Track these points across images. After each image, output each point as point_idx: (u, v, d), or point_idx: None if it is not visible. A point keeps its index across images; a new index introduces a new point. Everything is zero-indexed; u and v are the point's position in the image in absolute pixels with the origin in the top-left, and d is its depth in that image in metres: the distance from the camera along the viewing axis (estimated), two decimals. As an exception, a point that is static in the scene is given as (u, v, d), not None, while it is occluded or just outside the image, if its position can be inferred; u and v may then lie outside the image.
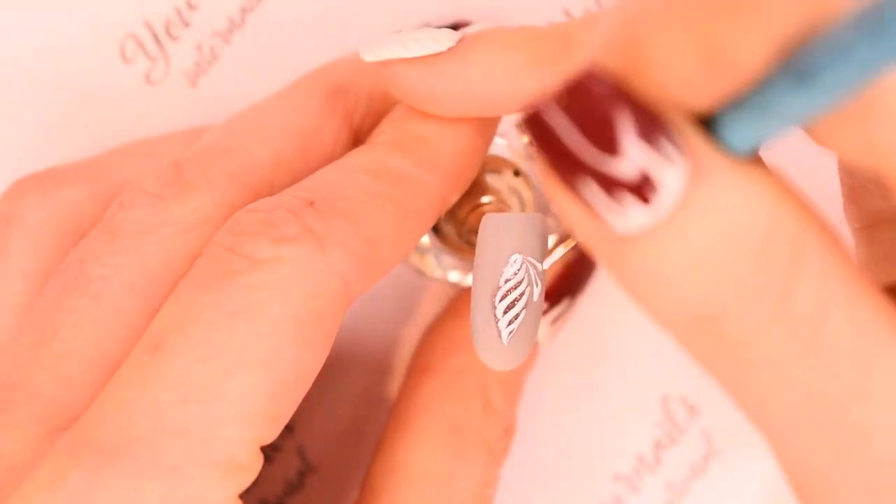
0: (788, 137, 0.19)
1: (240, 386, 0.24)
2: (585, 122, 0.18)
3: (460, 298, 0.33)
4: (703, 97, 0.19)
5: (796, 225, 0.19)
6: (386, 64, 0.27)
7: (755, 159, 0.19)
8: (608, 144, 0.18)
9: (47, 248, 0.29)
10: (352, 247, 0.25)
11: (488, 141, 0.29)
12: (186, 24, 0.35)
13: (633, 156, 0.18)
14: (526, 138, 0.25)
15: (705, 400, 0.36)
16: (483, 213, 0.31)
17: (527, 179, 0.32)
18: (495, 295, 0.27)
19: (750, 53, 0.18)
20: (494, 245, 0.27)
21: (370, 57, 0.27)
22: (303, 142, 0.29)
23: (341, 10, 0.35)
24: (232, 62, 0.35)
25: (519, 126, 0.32)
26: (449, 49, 0.27)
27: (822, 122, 0.19)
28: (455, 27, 0.31)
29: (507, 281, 0.27)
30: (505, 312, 0.27)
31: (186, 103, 0.35)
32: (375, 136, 0.29)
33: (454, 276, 0.33)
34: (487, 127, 0.29)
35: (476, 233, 0.30)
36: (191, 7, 0.35)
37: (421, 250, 0.33)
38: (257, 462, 0.25)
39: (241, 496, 0.25)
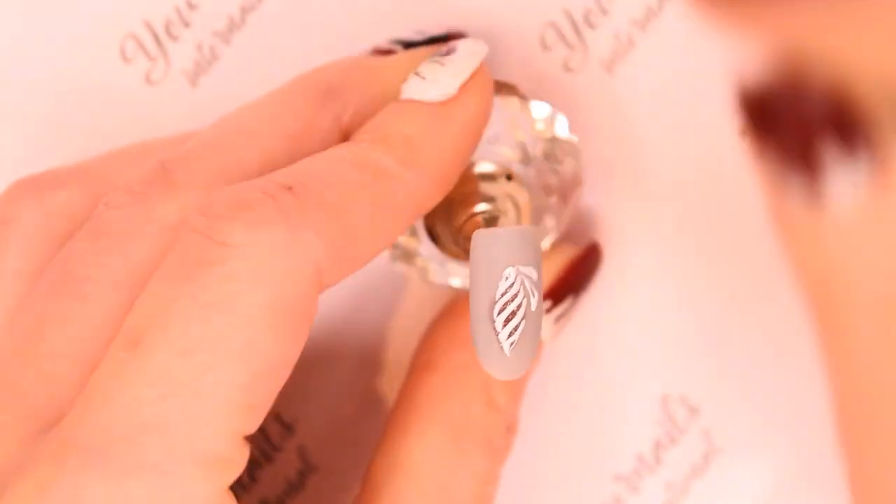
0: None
1: (218, 379, 0.24)
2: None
3: (462, 296, 0.33)
4: None
5: None
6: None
7: None
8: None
9: (42, 250, 0.29)
10: (327, 234, 0.25)
11: (474, 144, 0.30)
12: (186, 24, 0.35)
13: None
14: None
15: (705, 400, 0.36)
16: (477, 222, 0.31)
17: (520, 182, 0.32)
18: (493, 309, 0.27)
19: None
20: (487, 261, 0.27)
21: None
22: (291, 143, 0.29)
23: (341, 11, 0.35)
24: (232, 62, 0.35)
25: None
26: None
27: None
28: (447, 38, 0.31)
29: (502, 295, 0.27)
30: (504, 325, 0.27)
31: (186, 103, 0.35)
32: (359, 134, 0.29)
33: (456, 282, 0.33)
34: (472, 132, 0.29)
35: (466, 235, 0.30)
36: (191, 7, 0.35)
37: (424, 258, 0.33)
38: (242, 454, 0.25)
39: (241, 496, 0.25)
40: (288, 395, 0.30)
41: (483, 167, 0.32)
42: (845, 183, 0.18)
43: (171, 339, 0.24)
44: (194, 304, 0.24)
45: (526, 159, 0.32)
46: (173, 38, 0.35)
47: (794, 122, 0.19)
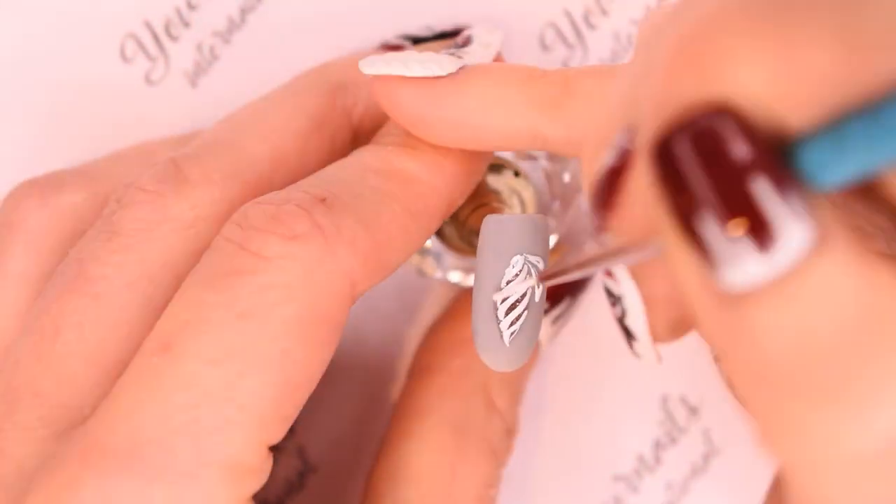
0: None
1: (250, 389, 0.24)
2: (716, 156, 0.17)
3: (461, 298, 0.33)
4: (791, 111, 0.17)
5: None
6: (383, 79, 0.27)
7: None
8: (737, 182, 0.17)
9: (47, 252, 0.29)
10: (360, 247, 0.25)
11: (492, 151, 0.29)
12: (186, 24, 0.35)
13: (761, 197, 0.17)
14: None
15: (705, 400, 0.36)
16: (484, 214, 0.31)
17: (526, 179, 0.32)
18: (497, 296, 0.27)
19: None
20: (496, 246, 0.27)
21: (369, 70, 0.27)
22: (302, 139, 0.29)
23: (341, 10, 0.35)
24: (232, 62, 0.35)
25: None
26: (449, 75, 0.27)
27: None
28: (455, 33, 0.31)
29: (508, 282, 0.27)
30: (507, 314, 0.27)
31: (186, 103, 0.35)
32: (382, 136, 0.29)
33: (455, 277, 0.33)
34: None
35: (477, 234, 0.30)
36: (191, 7, 0.35)
37: (422, 251, 0.33)
38: (267, 463, 0.25)
39: (241, 496, 0.25)
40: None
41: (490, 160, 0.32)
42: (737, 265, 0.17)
43: (204, 347, 0.24)
44: (228, 313, 0.24)
45: (531, 157, 0.32)
46: (173, 38, 0.35)
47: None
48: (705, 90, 0.17)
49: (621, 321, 0.26)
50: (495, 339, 0.27)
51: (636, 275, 0.24)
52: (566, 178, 0.33)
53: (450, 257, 0.33)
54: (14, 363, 0.27)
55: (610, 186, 0.21)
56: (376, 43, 0.32)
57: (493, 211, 0.31)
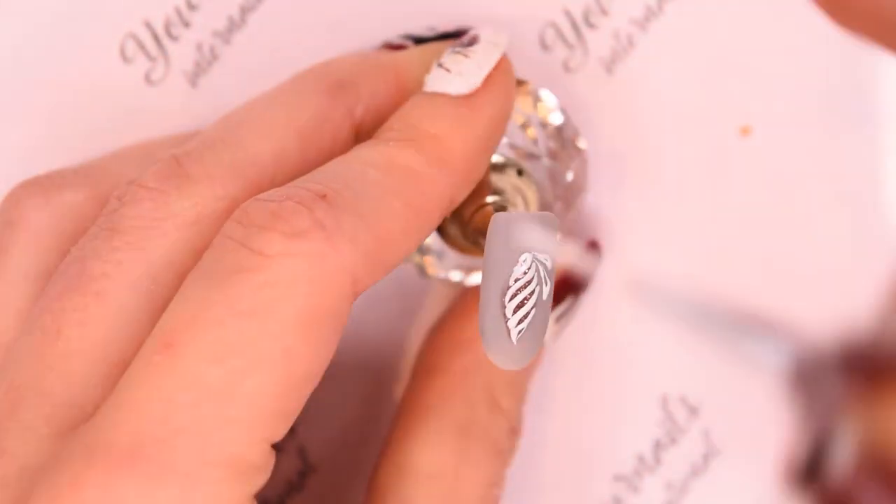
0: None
1: (252, 386, 0.24)
2: None
3: (464, 298, 0.33)
4: None
5: None
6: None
7: None
8: None
9: (49, 251, 0.29)
10: (361, 243, 0.25)
11: (497, 141, 0.29)
12: (186, 24, 0.35)
13: None
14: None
15: (705, 400, 0.36)
16: (487, 213, 0.31)
17: (530, 178, 0.32)
18: (505, 294, 0.27)
19: None
20: (504, 243, 0.27)
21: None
22: (303, 136, 0.29)
23: (341, 10, 0.35)
24: (232, 62, 0.35)
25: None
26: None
27: None
28: (458, 34, 0.31)
29: (516, 280, 0.27)
30: (515, 311, 0.27)
31: (186, 103, 0.35)
32: (384, 131, 0.29)
33: (456, 276, 0.33)
34: (497, 127, 0.29)
35: (481, 233, 0.30)
36: (191, 7, 0.35)
37: (423, 250, 0.33)
38: (270, 461, 0.25)
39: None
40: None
41: (493, 158, 0.32)
42: None
43: (205, 345, 0.24)
44: (229, 311, 0.24)
45: (534, 156, 0.32)
46: (173, 38, 0.35)
47: None
48: None
49: None
50: (503, 336, 0.27)
51: None
52: (569, 177, 0.33)
53: (452, 256, 0.33)
54: (16, 362, 0.27)
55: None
56: (378, 42, 0.32)
57: (498, 210, 0.31)
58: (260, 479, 0.25)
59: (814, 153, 0.35)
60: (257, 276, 0.24)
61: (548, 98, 0.32)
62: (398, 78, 0.30)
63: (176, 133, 0.34)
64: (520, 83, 0.32)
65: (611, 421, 0.36)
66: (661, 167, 0.35)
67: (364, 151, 0.28)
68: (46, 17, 0.34)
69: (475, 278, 0.29)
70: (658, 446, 0.36)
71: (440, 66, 0.29)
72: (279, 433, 0.25)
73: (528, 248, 0.27)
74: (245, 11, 0.35)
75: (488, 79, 0.29)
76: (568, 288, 0.33)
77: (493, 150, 0.29)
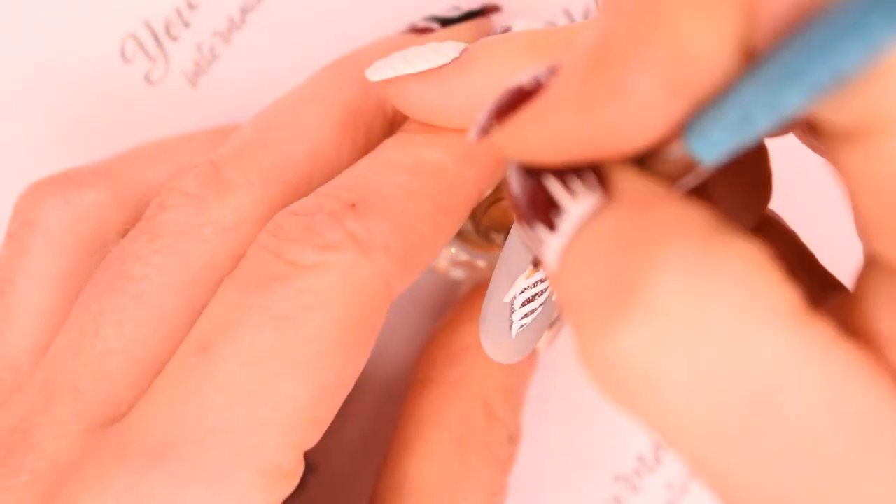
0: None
1: (286, 391, 0.24)
2: (528, 182, 0.21)
3: (457, 308, 0.33)
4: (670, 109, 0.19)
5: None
6: (392, 82, 0.27)
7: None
8: (535, 196, 0.21)
9: (69, 251, 0.29)
10: (394, 250, 0.25)
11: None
12: (186, 24, 0.35)
13: (549, 188, 0.21)
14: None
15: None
16: (502, 208, 0.30)
17: None
18: (518, 286, 0.27)
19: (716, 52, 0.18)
20: (526, 256, 0.27)
21: (376, 77, 0.27)
22: (337, 134, 0.29)
23: (341, 10, 0.35)
24: (232, 62, 0.35)
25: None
26: (452, 60, 0.27)
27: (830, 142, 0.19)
28: (482, 12, 0.31)
29: (533, 274, 0.27)
30: (523, 305, 0.27)
31: (186, 103, 0.35)
32: (411, 123, 0.28)
33: (458, 274, 0.33)
34: None
35: (494, 228, 0.30)
36: (191, 7, 0.35)
37: None
38: (300, 468, 0.25)
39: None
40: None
41: None
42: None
43: (241, 348, 0.24)
44: (266, 316, 0.24)
45: None
46: (173, 38, 0.35)
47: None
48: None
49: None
50: (503, 328, 0.27)
51: None
52: None
53: (464, 253, 0.33)
54: (52, 359, 0.27)
55: (512, 102, 0.21)
56: (403, 26, 0.32)
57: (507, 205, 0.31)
58: (288, 487, 0.25)
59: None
60: (293, 284, 0.25)
61: None
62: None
63: (177, 133, 0.34)
64: None
65: (611, 421, 0.36)
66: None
67: (391, 151, 0.27)
68: (47, 18, 0.34)
69: (496, 268, 0.29)
70: (658, 446, 0.36)
71: None
72: (311, 440, 0.25)
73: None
74: (245, 11, 0.35)
75: None
76: None
77: None
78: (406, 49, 0.28)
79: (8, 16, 0.34)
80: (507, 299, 0.27)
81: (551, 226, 0.20)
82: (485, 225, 0.31)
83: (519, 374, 0.32)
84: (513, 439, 0.32)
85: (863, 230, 0.20)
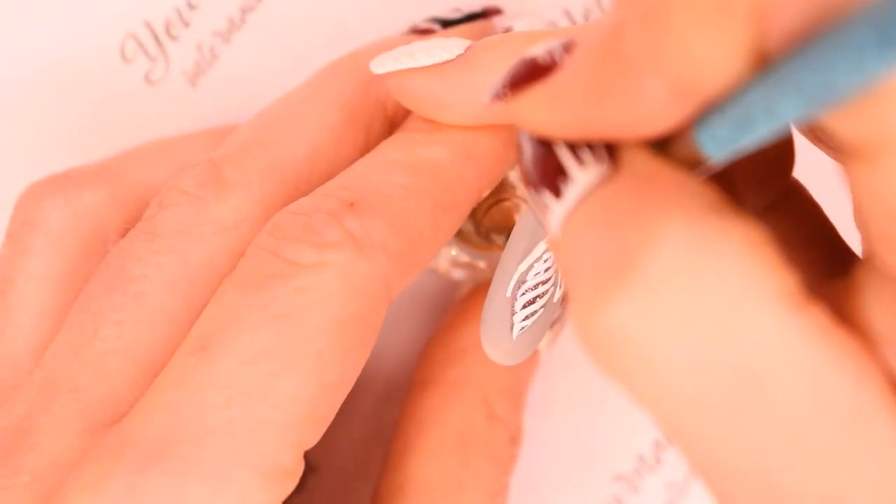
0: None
1: (284, 389, 0.24)
2: (536, 151, 0.22)
3: (457, 309, 0.33)
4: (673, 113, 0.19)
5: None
6: (395, 74, 0.27)
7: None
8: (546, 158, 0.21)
9: (69, 251, 0.29)
10: (392, 249, 0.25)
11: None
12: (186, 24, 0.35)
13: (560, 156, 0.21)
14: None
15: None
16: (504, 209, 0.30)
17: None
18: (519, 287, 0.27)
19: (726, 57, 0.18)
20: (530, 238, 0.27)
21: (379, 70, 0.27)
22: (337, 133, 0.29)
23: (341, 10, 0.35)
24: (232, 62, 0.35)
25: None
26: (457, 56, 0.27)
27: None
28: (484, 14, 0.31)
29: (535, 275, 0.27)
30: (524, 307, 0.27)
31: (186, 103, 0.35)
32: (411, 121, 0.28)
33: (458, 275, 0.33)
34: None
35: (495, 229, 0.30)
36: (191, 7, 0.35)
37: None
38: (299, 468, 0.25)
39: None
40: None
41: None
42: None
43: (239, 347, 0.24)
44: (264, 315, 0.24)
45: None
46: (173, 38, 0.35)
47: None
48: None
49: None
50: (504, 330, 0.27)
51: None
52: None
53: (464, 254, 0.33)
54: (52, 358, 0.27)
55: (525, 74, 0.22)
56: (404, 27, 0.32)
57: (513, 206, 0.31)
58: (289, 486, 0.25)
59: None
60: (291, 282, 0.25)
61: None
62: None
63: (177, 133, 0.34)
64: None
65: (611, 421, 0.36)
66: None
67: (390, 150, 0.27)
68: (47, 17, 0.34)
69: (497, 269, 0.29)
70: (658, 446, 0.36)
71: None
72: (311, 439, 0.25)
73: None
74: (245, 11, 0.35)
75: None
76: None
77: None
78: (410, 44, 0.28)
79: (8, 16, 0.34)
80: (508, 293, 0.27)
81: (557, 192, 0.21)
82: (485, 226, 0.31)
83: (520, 375, 0.32)
84: (514, 440, 0.32)
85: (863, 232, 0.20)
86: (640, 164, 0.20)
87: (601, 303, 0.19)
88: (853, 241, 0.24)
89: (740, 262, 0.19)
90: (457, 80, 0.27)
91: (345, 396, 0.26)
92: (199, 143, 0.31)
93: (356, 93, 0.29)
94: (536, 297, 0.27)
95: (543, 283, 0.27)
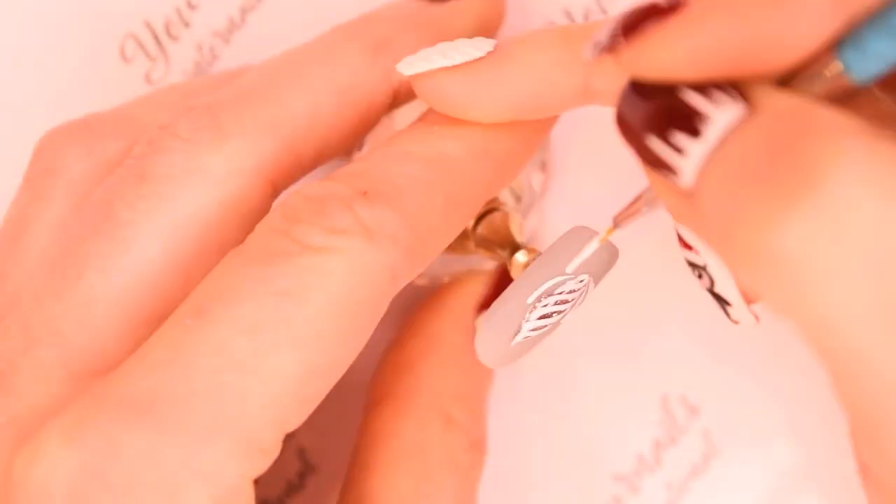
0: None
1: (277, 364, 0.24)
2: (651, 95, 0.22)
3: (403, 325, 0.33)
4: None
5: None
6: (426, 76, 0.27)
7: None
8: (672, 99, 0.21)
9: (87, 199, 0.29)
10: (402, 240, 0.25)
11: (542, 136, 0.29)
12: (186, 24, 0.35)
13: (691, 102, 0.21)
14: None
15: (705, 400, 0.36)
16: (496, 219, 0.30)
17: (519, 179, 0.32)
18: (542, 298, 0.27)
19: None
20: (573, 256, 0.27)
21: (409, 71, 0.27)
22: (340, 96, 0.28)
23: (341, 10, 0.35)
24: (232, 62, 0.35)
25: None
26: (487, 54, 0.26)
27: None
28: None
29: (562, 293, 0.27)
30: (540, 318, 0.27)
31: (186, 103, 0.35)
32: (430, 113, 0.28)
33: (422, 281, 0.33)
34: (543, 123, 0.28)
35: (488, 239, 0.30)
36: (191, 7, 0.35)
37: None
38: (276, 449, 0.25)
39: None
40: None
41: None
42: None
43: (238, 317, 0.24)
44: (266, 289, 0.24)
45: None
46: (173, 38, 0.35)
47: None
48: None
49: (711, 290, 0.26)
50: (507, 332, 0.27)
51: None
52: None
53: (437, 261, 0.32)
54: (33, 299, 0.26)
55: (644, 19, 0.21)
56: None
57: (504, 216, 0.30)
58: (263, 464, 0.25)
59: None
60: (297, 261, 0.25)
61: None
62: (439, 38, 0.29)
63: (212, 75, 0.33)
64: None
65: (611, 421, 0.36)
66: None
67: (408, 140, 0.27)
68: (47, 17, 0.34)
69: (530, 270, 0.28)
70: (658, 446, 0.36)
71: None
72: (294, 421, 0.25)
73: (590, 272, 0.27)
74: (245, 11, 0.35)
75: None
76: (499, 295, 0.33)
77: (537, 145, 0.29)
78: (437, 45, 0.27)
79: (8, 16, 0.34)
80: (531, 299, 0.27)
81: (695, 132, 0.20)
82: (478, 236, 0.30)
83: (476, 379, 0.32)
84: (476, 445, 0.31)
85: None
86: (780, 100, 0.20)
87: (782, 223, 0.19)
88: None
89: None
90: (490, 77, 0.26)
91: (334, 383, 0.25)
92: (217, 87, 0.31)
93: (364, 60, 0.29)
94: (554, 312, 0.27)
95: (566, 301, 0.27)
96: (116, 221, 0.26)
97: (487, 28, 0.31)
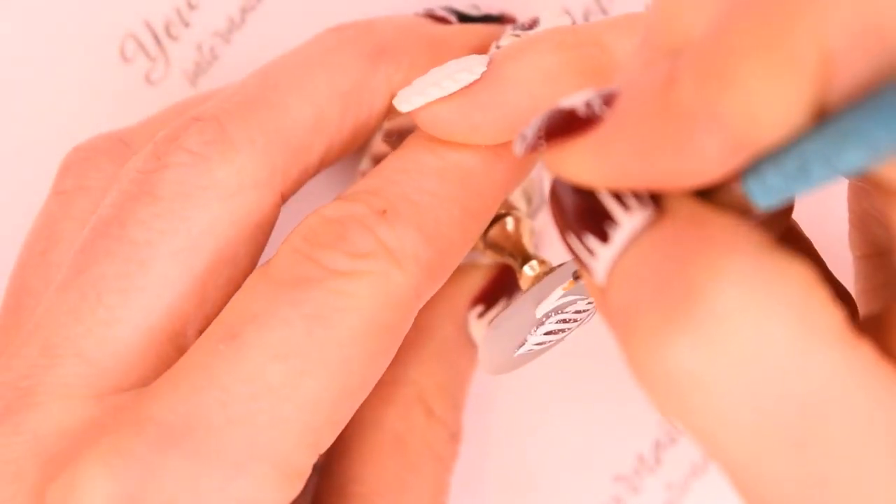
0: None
1: (310, 389, 0.24)
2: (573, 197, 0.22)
3: None
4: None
5: None
6: (424, 108, 0.27)
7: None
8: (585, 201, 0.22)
9: None
10: (424, 259, 0.26)
11: None
12: (186, 24, 0.35)
13: (604, 202, 0.21)
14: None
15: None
16: (503, 226, 0.30)
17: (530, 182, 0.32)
18: (552, 315, 0.27)
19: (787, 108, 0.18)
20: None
21: (406, 107, 0.27)
22: (343, 102, 0.28)
23: (341, 11, 0.34)
24: (232, 62, 0.35)
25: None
26: (482, 75, 0.27)
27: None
28: (501, 19, 0.31)
29: (577, 312, 0.27)
30: (546, 334, 0.27)
31: (186, 103, 0.35)
32: None
33: None
34: None
35: (498, 245, 0.30)
36: (191, 7, 0.35)
37: None
38: (309, 471, 0.25)
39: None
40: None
41: None
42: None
43: (270, 342, 0.24)
44: (297, 313, 0.25)
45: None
46: (173, 38, 0.35)
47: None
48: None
49: None
50: (512, 343, 0.27)
51: None
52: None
53: None
54: (51, 318, 0.26)
55: (562, 126, 0.21)
56: (420, 8, 0.32)
57: (516, 222, 0.30)
58: (298, 488, 0.25)
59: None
60: (326, 285, 0.25)
61: None
62: (437, 52, 0.29)
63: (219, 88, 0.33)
64: None
65: (611, 421, 0.36)
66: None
67: (421, 152, 0.27)
68: (47, 17, 0.34)
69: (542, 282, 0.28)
70: (658, 446, 0.36)
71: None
72: (325, 443, 0.25)
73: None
74: (245, 11, 0.35)
75: None
76: (499, 291, 0.33)
77: None
78: (429, 73, 0.27)
79: (8, 16, 0.34)
80: (541, 313, 0.27)
81: (604, 237, 0.21)
82: (489, 241, 0.30)
83: (457, 373, 0.32)
84: (454, 437, 0.32)
85: None
86: (687, 208, 0.20)
87: (662, 339, 0.19)
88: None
89: (801, 298, 0.19)
90: (485, 101, 0.26)
91: (361, 401, 0.26)
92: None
93: (366, 65, 0.29)
94: (560, 330, 0.27)
95: (573, 321, 0.27)
96: (133, 242, 0.26)
97: (487, 34, 0.31)
